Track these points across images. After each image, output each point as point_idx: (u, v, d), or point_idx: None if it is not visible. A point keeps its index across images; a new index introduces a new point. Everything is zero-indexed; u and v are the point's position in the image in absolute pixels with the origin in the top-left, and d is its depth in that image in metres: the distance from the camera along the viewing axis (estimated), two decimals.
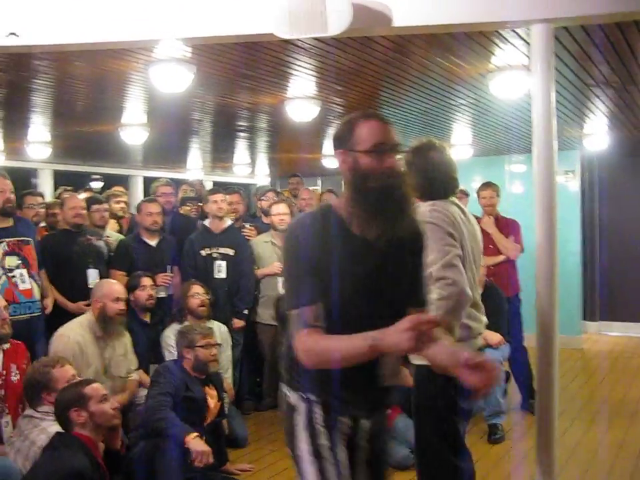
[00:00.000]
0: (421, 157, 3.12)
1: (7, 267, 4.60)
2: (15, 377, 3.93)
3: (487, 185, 6.41)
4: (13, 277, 4.62)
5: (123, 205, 6.68)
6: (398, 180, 2.13)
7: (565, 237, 8.41)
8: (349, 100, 6.07)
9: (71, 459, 3.06)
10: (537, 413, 3.34)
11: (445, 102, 6.14)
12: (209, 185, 10.38)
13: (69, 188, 6.93)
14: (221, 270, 5.87)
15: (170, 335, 5.13)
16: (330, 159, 10.35)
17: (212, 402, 4.51)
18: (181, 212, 6.82)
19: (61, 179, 9.80)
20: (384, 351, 1.95)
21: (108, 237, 5.80)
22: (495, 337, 5.27)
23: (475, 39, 4.17)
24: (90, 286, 5.11)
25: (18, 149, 8.34)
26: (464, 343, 2.96)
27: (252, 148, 9.61)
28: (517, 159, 9.75)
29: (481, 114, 6.74)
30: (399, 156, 2.18)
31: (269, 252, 6.14)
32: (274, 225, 6.17)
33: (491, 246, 5.93)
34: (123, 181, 10.99)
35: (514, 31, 3.94)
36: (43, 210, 5.81)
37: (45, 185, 9.93)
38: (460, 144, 8.73)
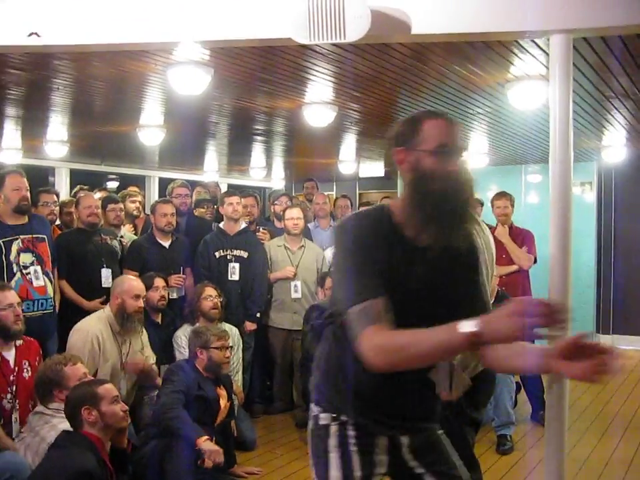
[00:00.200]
0: None
1: (21, 263, 4.63)
2: (26, 374, 3.95)
3: (501, 195, 6.39)
4: (28, 273, 4.65)
5: (137, 204, 6.72)
6: (461, 186, 1.96)
7: (580, 248, 8.39)
8: (366, 106, 6.07)
9: (81, 457, 3.07)
10: (546, 424, 3.32)
11: (462, 110, 6.13)
12: (224, 188, 10.41)
13: (85, 187, 6.97)
14: (234, 272, 5.88)
15: (182, 336, 5.15)
16: (346, 164, 10.35)
17: (222, 402, 4.52)
18: (196, 214, 6.85)
19: (77, 178, 9.85)
20: (486, 341, 1.69)
21: (122, 236, 5.83)
22: None
23: (494, 48, 4.16)
24: (104, 285, 5.14)
25: (36, 147, 8.39)
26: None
27: (268, 151, 9.63)
28: (533, 168, 9.71)
29: (498, 123, 6.72)
30: (464, 160, 2.02)
31: (282, 256, 6.14)
32: (287, 229, 6.17)
33: (504, 255, 5.90)
34: (139, 181, 11.05)
35: (533, 41, 3.93)
36: (57, 208, 5.85)
37: (62, 184, 9.99)
38: (476, 152, 8.71)
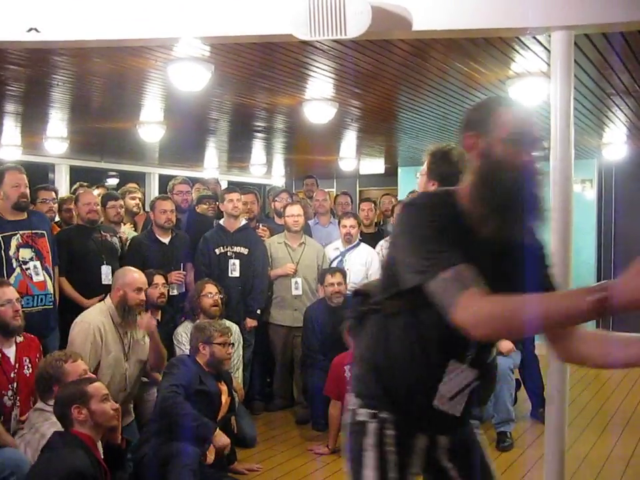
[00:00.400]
0: (441, 160, 3.05)
1: (20, 259, 4.62)
2: (27, 370, 3.94)
3: None
4: (27, 269, 4.64)
5: (137, 201, 6.71)
6: (532, 179, 1.83)
7: (580, 246, 8.38)
8: (367, 103, 6.07)
9: (72, 458, 3.04)
10: (546, 421, 3.32)
11: (463, 107, 6.12)
12: (224, 185, 10.41)
13: (85, 184, 6.97)
14: (234, 269, 5.87)
15: (182, 333, 5.15)
16: (346, 161, 10.35)
17: (223, 397, 4.51)
18: (198, 210, 6.84)
19: (77, 175, 9.86)
20: (617, 308, 1.47)
21: (123, 232, 5.83)
22: (505, 344, 5.23)
23: (495, 45, 4.15)
24: (104, 282, 5.13)
25: (35, 144, 8.39)
26: None
27: (268, 148, 9.63)
28: None
29: None
30: (538, 154, 1.88)
31: (282, 253, 6.14)
32: (288, 226, 6.17)
33: None
34: (139, 178, 11.04)
35: (534, 38, 3.92)
36: (55, 205, 5.84)
37: (61, 181, 9.99)
38: None
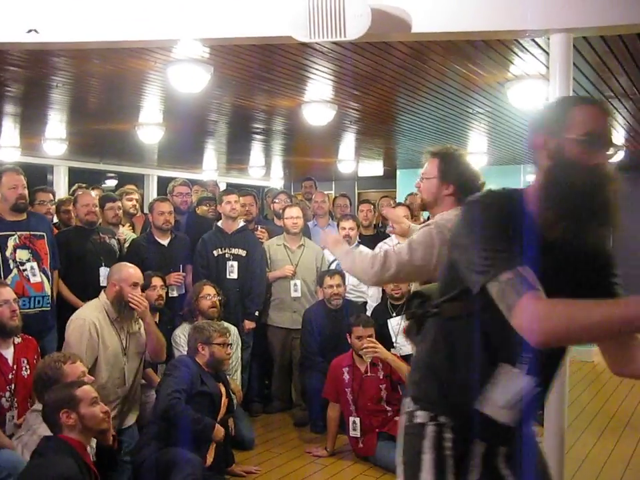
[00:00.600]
0: (454, 162, 3.00)
1: (17, 260, 4.61)
2: (25, 372, 3.94)
3: None
4: (24, 270, 4.63)
5: (134, 202, 6.70)
6: (605, 182, 1.74)
7: None
8: (366, 105, 6.07)
9: (60, 465, 2.96)
10: (546, 423, 3.32)
11: (462, 109, 6.13)
12: (222, 187, 10.41)
13: (83, 185, 6.96)
14: (232, 270, 5.86)
15: (181, 335, 5.14)
16: (345, 163, 10.35)
17: (222, 398, 4.50)
18: (198, 212, 6.83)
19: (75, 176, 9.86)
20: (633, 324, 1.51)
21: (121, 234, 5.83)
22: None
23: (494, 47, 4.16)
24: (102, 284, 5.12)
25: (34, 145, 8.39)
26: None
27: (267, 150, 9.63)
28: (532, 168, 9.71)
29: (498, 122, 6.72)
30: (611, 155, 1.80)
31: (281, 255, 6.13)
32: (287, 228, 6.16)
33: None
34: (138, 179, 11.05)
35: (533, 40, 3.93)
36: (53, 207, 5.82)
37: (60, 182, 9.99)
38: (475, 152, 8.71)
